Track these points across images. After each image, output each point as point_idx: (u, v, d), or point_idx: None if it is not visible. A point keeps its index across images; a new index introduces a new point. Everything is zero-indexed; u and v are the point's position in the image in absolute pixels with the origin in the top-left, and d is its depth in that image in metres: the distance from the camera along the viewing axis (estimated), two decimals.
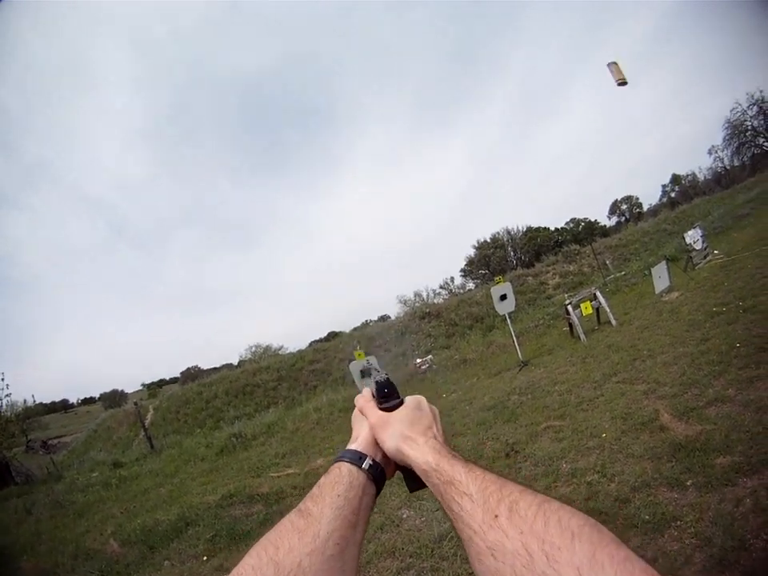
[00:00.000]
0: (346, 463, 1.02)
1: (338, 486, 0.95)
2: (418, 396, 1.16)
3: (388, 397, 1.14)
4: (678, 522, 4.21)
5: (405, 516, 6.31)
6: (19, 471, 21.48)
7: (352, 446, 1.08)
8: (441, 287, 69.28)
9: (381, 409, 1.12)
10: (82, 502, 13.49)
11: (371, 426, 1.10)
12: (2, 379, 23.53)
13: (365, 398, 1.19)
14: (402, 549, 5.50)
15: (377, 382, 1.17)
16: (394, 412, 1.09)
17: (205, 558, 7.16)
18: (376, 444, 1.07)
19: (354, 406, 1.22)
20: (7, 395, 24.02)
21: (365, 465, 1.01)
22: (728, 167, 75.80)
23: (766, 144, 69.74)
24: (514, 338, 14.40)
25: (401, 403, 1.12)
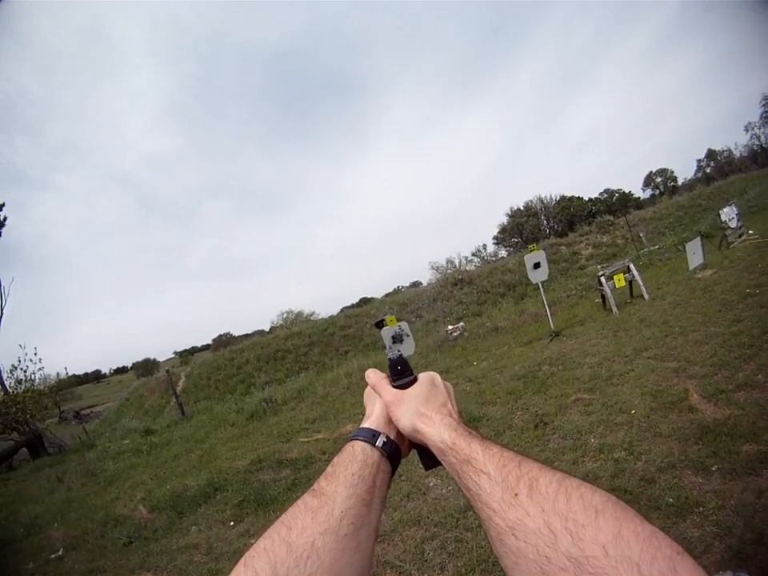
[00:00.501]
0: (360, 441, 1.01)
1: (351, 464, 0.95)
2: (432, 372, 1.15)
3: (401, 374, 1.14)
4: (701, 508, 4.25)
5: (431, 485, 6.38)
6: (52, 442, 21.55)
7: (365, 424, 1.08)
8: (473, 254, 69.00)
9: (394, 386, 1.12)
10: (113, 469, 13.61)
11: (385, 404, 1.10)
12: (36, 353, 23.93)
13: (377, 375, 1.19)
14: (428, 518, 5.57)
15: (389, 359, 1.17)
16: (408, 389, 1.09)
17: (232, 523, 7.29)
18: (390, 422, 1.07)
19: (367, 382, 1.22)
20: (40, 369, 24.40)
21: (379, 443, 1.01)
22: (764, 145, 74.01)
23: None
24: (547, 308, 14.30)
25: (414, 380, 1.11)
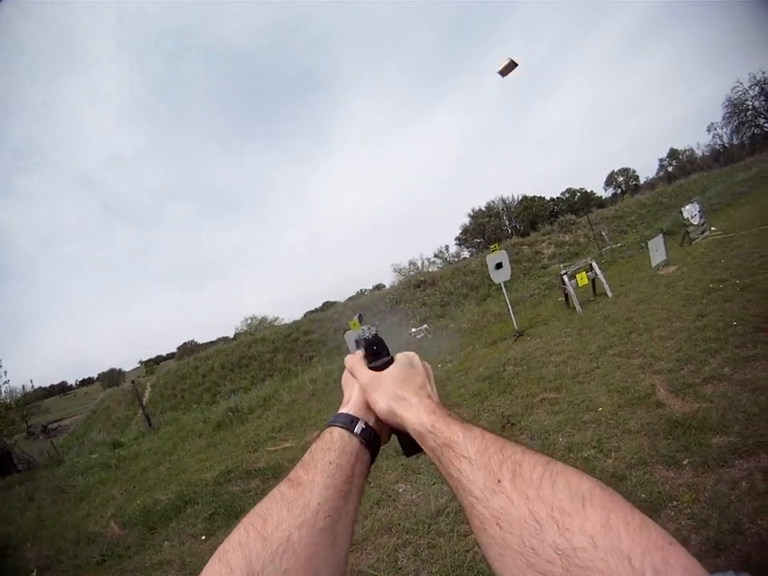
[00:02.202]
0: (337, 428, 0.98)
1: (329, 452, 0.92)
2: (410, 352, 1.12)
3: (378, 355, 1.10)
4: (675, 503, 4.24)
5: (401, 490, 6.33)
6: (21, 458, 21.63)
7: (343, 410, 1.04)
8: (435, 256, 69.55)
9: (370, 368, 1.08)
10: (83, 485, 13.57)
11: (362, 387, 1.06)
12: (0, 366, 23.51)
13: (354, 358, 1.14)
14: (399, 525, 5.51)
15: (365, 339, 1.13)
16: (384, 371, 1.06)
17: (203, 537, 7.21)
18: (369, 407, 1.03)
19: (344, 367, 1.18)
20: (5, 382, 24.11)
21: (357, 429, 0.97)
22: (727, 145, 76.03)
23: (766, 125, 69.84)
24: (510, 308, 14.37)
25: (391, 361, 1.08)
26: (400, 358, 1.09)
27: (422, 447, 0.91)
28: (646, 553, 0.52)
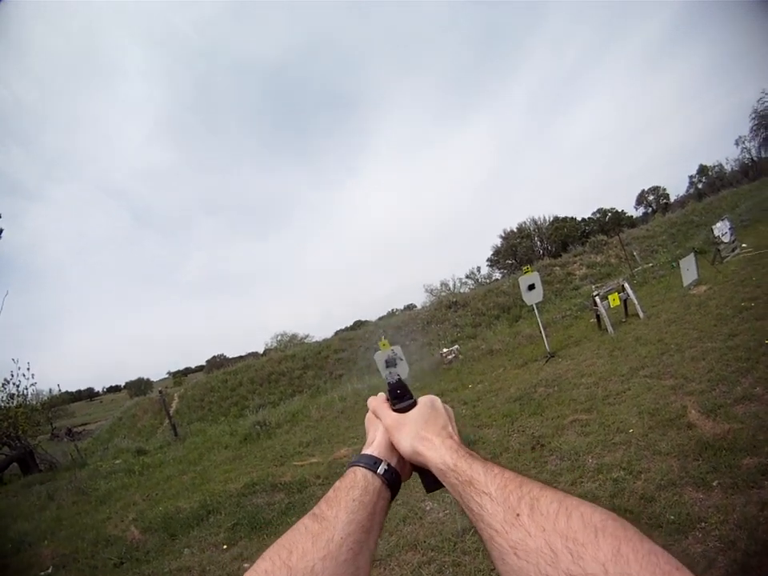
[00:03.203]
0: (361, 468, 1.02)
1: (353, 490, 0.96)
2: (432, 396, 1.15)
3: (401, 397, 1.14)
4: (703, 524, 4.19)
5: (428, 508, 6.31)
6: (43, 458, 21.58)
7: (367, 451, 1.08)
8: (467, 276, 69.04)
9: (394, 410, 1.12)
10: (105, 488, 13.54)
11: (386, 428, 1.10)
12: (28, 369, 23.77)
13: (378, 400, 1.20)
14: (424, 542, 5.50)
15: (389, 384, 1.17)
16: (408, 412, 1.09)
17: (225, 546, 7.19)
18: (392, 448, 1.07)
19: (368, 408, 1.23)
20: (32, 384, 24.24)
21: (380, 470, 1.02)
22: (755, 158, 74.79)
23: None
24: (542, 329, 14.30)
25: (414, 403, 1.11)
26: (423, 400, 1.12)
27: (444, 484, 0.95)
28: None
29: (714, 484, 4.68)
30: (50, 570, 7.89)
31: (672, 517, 4.42)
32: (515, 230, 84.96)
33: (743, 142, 76.54)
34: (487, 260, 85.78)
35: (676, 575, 0.55)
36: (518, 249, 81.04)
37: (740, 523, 4.03)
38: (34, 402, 25.30)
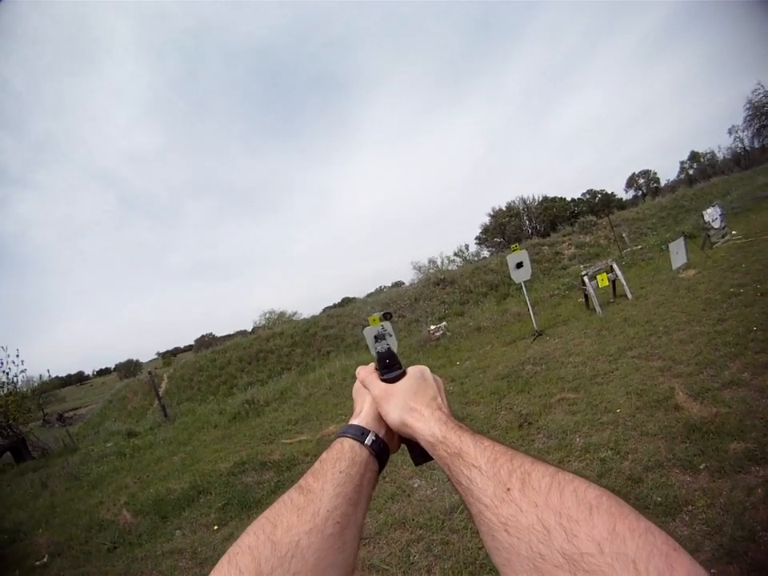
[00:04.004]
0: (348, 439, 1.00)
1: (339, 462, 0.94)
2: (421, 366, 1.13)
3: (390, 368, 1.12)
4: (690, 507, 4.24)
5: (416, 486, 6.35)
6: (36, 445, 21.55)
7: (354, 421, 1.07)
8: (455, 254, 68.95)
9: (383, 380, 1.10)
10: (97, 472, 13.59)
11: (374, 399, 1.09)
12: (18, 355, 23.67)
13: (366, 370, 1.18)
14: (413, 520, 5.53)
15: (378, 353, 1.16)
16: (397, 383, 1.07)
17: (216, 527, 7.24)
18: (379, 419, 1.06)
19: (356, 377, 1.21)
20: (23, 371, 24.16)
21: (367, 441, 1.00)
22: (748, 148, 75.18)
23: None
24: (530, 307, 14.33)
25: (403, 374, 1.10)
26: (412, 371, 1.11)
27: (433, 456, 0.94)
28: (650, 558, 0.54)
29: (701, 467, 4.72)
30: (45, 559, 7.92)
31: (659, 498, 4.45)
32: (504, 209, 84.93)
33: (736, 132, 76.93)
34: (475, 238, 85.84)
35: (673, 555, 0.55)
36: (507, 227, 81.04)
37: (726, 508, 4.07)
38: (25, 389, 25.23)
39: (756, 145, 73.22)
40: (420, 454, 1.01)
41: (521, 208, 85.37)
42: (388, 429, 1.05)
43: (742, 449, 4.75)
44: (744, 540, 3.65)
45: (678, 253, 14.83)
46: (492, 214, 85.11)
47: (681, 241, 14.88)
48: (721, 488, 4.34)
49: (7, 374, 23.23)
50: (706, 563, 3.50)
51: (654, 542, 0.56)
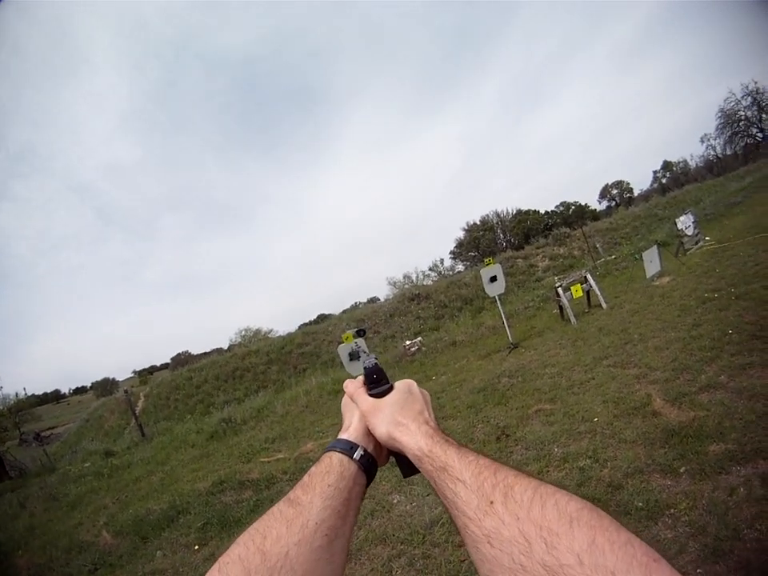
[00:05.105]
0: (337, 453, 1.00)
1: (328, 476, 0.94)
2: (409, 380, 1.13)
3: (377, 382, 1.12)
4: (672, 510, 4.22)
5: (395, 501, 6.32)
6: (13, 465, 21.66)
7: (343, 436, 1.06)
8: (430, 269, 69.21)
9: (371, 395, 1.10)
10: (75, 493, 13.50)
11: (362, 413, 1.08)
12: None
13: (355, 385, 1.17)
14: (393, 535, 5.50)
15: (365, 368, 1.15)
16: (384, 397, 1.08)
17: (196, 546, 7.18)
18: (368, 433, 1.06)
19: (344, 392, 1.20)
20: None
21: (356, 455, 1.00)
22: (720, 156, 76.60)
23: (758, 134, 70.45)
24: (504, 320, 14.41)
25: (391, 388, 1.10)
26: (399, 385, 1.11)
27: (420, 470, 0.93)
28: (630, 569, 0.54)
29: (682, 470, 4.71)
30: None
31: (640, 504, 4.44)
32: (478, 223, 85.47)
33: (708, 140, 78.26)
34: (450, 252, 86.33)
35: (653, 566, 0.54)
36: (481, 241, 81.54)
37: (709, 508, 4.07)
38: (1, 407, 24.99)
39: (728, 152, 74.67)
40: (408, 466, 1.00)
41: (495, 222, 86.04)
42: (376, 443, 1.05)
43: (722, 450, 4.75)
44: (729, 539, 3.66)
45: (651, 261, 14.91)
46: (466, 228, 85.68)
47: (654, 249, 14.98)
48: (702, 490, 4.33)
49: None
50: (691, 564, 3.58)
51: (634, 553, 0.56)
